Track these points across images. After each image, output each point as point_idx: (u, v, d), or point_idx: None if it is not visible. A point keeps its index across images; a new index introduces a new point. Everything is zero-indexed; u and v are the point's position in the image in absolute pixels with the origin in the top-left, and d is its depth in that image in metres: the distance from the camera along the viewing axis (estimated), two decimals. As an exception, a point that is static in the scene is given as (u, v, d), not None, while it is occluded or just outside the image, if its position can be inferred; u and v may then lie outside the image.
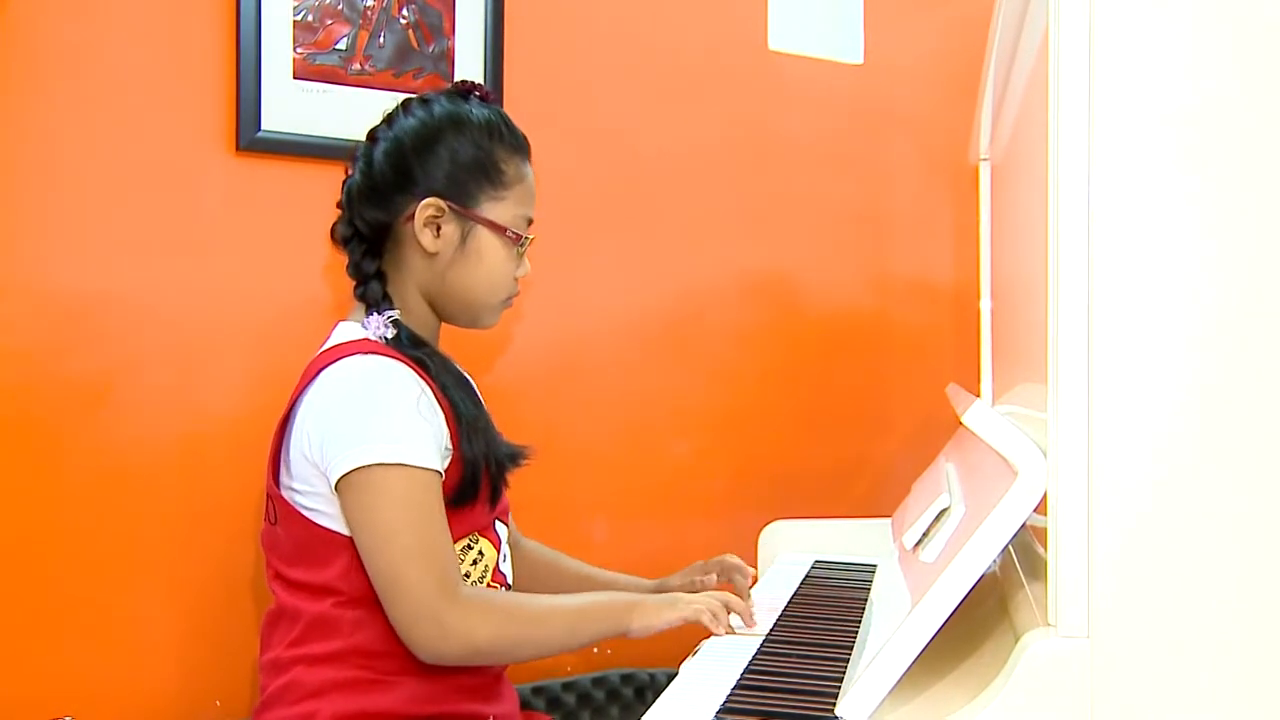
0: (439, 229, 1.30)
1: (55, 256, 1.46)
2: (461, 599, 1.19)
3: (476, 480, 1.27)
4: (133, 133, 1.50)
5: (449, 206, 1.30)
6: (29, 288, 1.45)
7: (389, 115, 1.34)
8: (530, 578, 1.50)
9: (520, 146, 1.35)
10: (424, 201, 1.29)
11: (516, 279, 1.35)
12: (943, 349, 2.12)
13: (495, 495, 1.32)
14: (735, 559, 1.47)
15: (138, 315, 1.51)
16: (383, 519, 1.18)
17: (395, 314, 1.29)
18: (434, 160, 1.30)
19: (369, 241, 1.32)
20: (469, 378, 1.38)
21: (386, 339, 1.27)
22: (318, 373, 1.25)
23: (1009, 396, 1.42)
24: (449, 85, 1.39)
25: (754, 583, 1.47)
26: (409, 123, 1.32)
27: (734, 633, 1.24)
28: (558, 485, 1.78)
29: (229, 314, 1.56)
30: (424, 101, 1.34)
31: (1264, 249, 0.91)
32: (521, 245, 1.34)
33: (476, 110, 1.33)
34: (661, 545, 1.85)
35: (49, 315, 1.46)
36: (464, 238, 1.31)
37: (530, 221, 1.36)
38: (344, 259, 1.34)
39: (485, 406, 1.36)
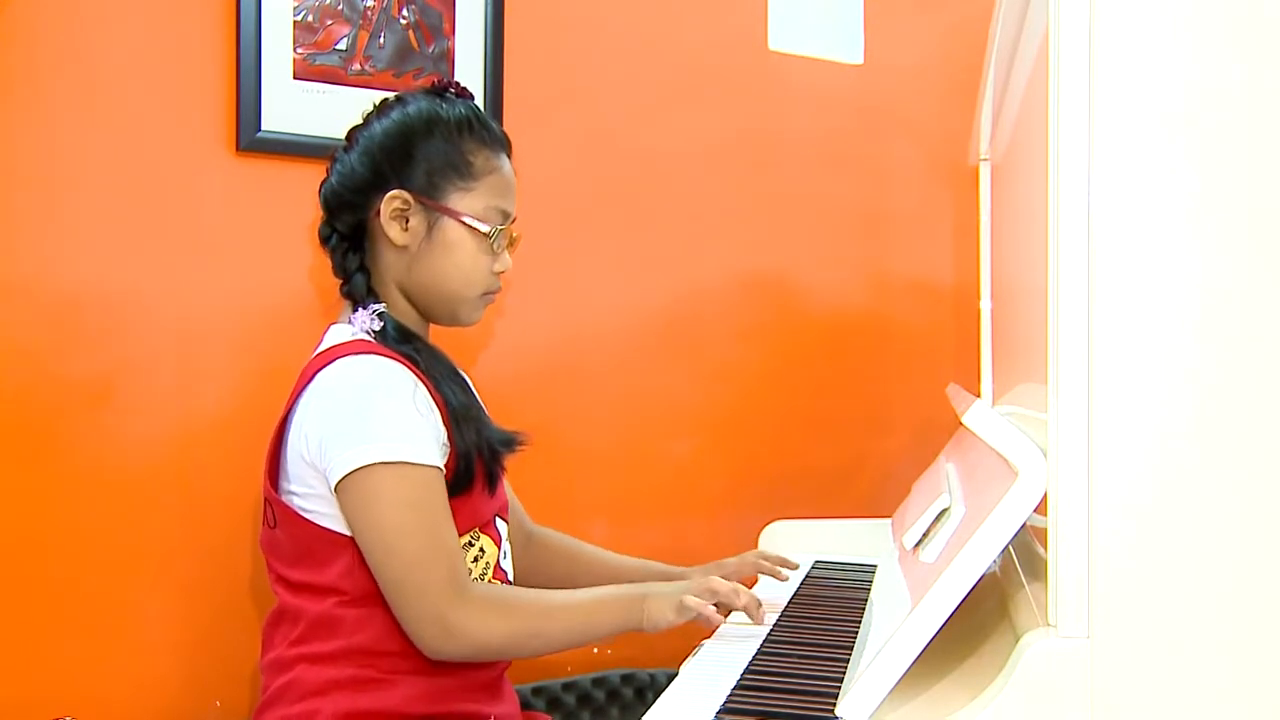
0: (407, 221, 1.30)
1: (55, 256, 1.46)
2: (469, 597, 1.19)
3: (471, 470, 1.27)
4: (133, 133, 1.50)
5: (414, 198, 1.29)
6: (29, 288, 1.45)
7: (366, 115, 1.35)
8: (546, 566, 1.50)
9: (494, 140, 1.34)
10: (389, 194, 1.29)
11: (497, 274, 1.34)
12: (943, 349, 2.11)
13: (492, 483, 1.31)
14: (762, 553, 1.50)
15: (137, 315, 1.51)
16: (387, 520, 1.18)
17: (381, 307, 1.29)
18: (402, 155, 1.29)
19: (349, 239, 1.32)
20: (461, 371, 1.38)
21: (373, 332, 1.27)
22: (313, 376, 1.25)
23: (1009, 396, 1.42)
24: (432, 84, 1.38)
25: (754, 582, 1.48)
26: (382, 122, 1.32)
27: (749, 617, 1.24)
28: (558, 485, 1.78)
29: (229, 314, 1.56)
30: (399, 100, 1.34)
31: (1264, 249, 0.91)
32: (493, 237, 1.32)
33: (449, 106, 1.33)
34: (661, 545, 1.85)
35: (49, 315, 1.46)
36: (430, 229, 1.30)
37: (507, 215, 1.34)
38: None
39: (478, 397, 1.36)
